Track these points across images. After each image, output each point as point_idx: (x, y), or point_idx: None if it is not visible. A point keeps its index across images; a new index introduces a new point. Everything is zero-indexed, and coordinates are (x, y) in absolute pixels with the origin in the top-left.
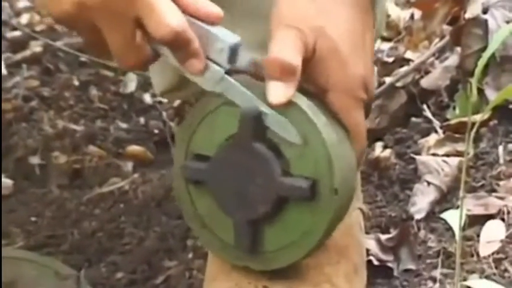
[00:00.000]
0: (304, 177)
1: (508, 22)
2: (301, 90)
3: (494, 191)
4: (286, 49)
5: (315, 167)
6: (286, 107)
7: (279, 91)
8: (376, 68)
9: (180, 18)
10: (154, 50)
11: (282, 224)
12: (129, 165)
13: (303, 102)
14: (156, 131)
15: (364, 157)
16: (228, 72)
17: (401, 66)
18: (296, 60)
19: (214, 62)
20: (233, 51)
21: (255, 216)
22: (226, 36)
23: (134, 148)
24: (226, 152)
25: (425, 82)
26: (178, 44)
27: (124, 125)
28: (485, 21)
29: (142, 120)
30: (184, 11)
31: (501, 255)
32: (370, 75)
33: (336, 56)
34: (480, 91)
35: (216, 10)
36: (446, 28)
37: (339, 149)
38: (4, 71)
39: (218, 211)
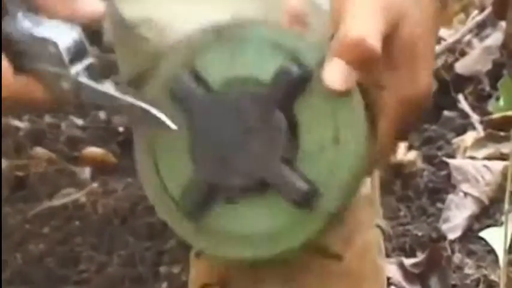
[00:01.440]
0: (306, 179)
1: None
2: None
3: None
4: (369, 29)
5: (325, 174)
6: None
7: (343, 75)
8: None
9: None
10: None
11: (246, 208)
12: (86, 172)
13: (357, 100)
14: (120, 129)
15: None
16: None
17: None
18: (378, 46)
19: (57, 72)
20: (75, 49)
21: (226, 185)
22: (58, 36)
23: (93, 150)
24: (237, 96)
25: (460, 66)
26: None
27: (79, 121)
28: None
29: (102, 115)
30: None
31: None
32: (431, 85)
33: (410, 51)
34: None
35: None
36: None
37: (362, 166)
38: None
39: (182, 154)
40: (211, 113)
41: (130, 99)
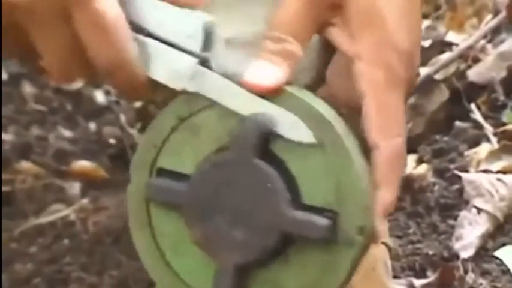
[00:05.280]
0: (320, 209)
1: None
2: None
3: None
4: (291, 20)
5: (335, 194)
6: (291, 104)
7: (267, 71)
8: None
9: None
10: None
11: (281, 273)
12: (75, 187)
13: (311, 99)
14: (111, 141)
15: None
16: (205, 63)
17: (442, 52)
18: (296, 40)
19: (184, 50)
20: (208, 35)
21: (246, 260)
22: (196, 16)
23: (82, 164)
24: (212, 170)
25: (473, 74)
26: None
27: (68, 133)
28: None
29: (92, 126)
30: None
31: None
32: (416, 51)
33: (368, 13)
34: None
35: None
36: (502, 0)
37: (364, 166)
38: None
39: (191, 249)
40: (198, 197)
41: (246, 96)
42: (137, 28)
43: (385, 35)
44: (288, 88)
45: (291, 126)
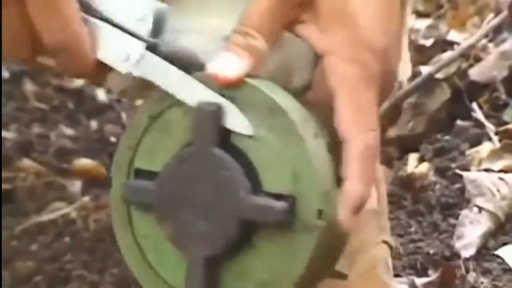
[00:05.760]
0: (279, 195)
1: None
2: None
3: None
4: (259, 16)
5: (292, 180)
6: (247, 93)
7: (231, 63)
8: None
9: None
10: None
11: (250, 262)
12: (77, 185)
13: (269, 87)
14: (112, 139)
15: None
16: (153, 49)
17: (443, 51)
18: (262, 38)
19: (133, 34)
20: (158, 21)
21: (213, 252)
22: (148, 1)
23: (83, 162)
24: (177, 166)
25: (475, 73)
26: None
27: (70, 131)
28: None
29: (94, 124)
30: None
31: None
32: (393, 47)
33: (344, 12)
34: None
35: None
36: (503, 0)
37: (321, 153)
38: None
39: (166, 244)
40: (165, 193)
41: (191, 83)
42: (88, 9)
43: (357, 31)
44: (247, 79)
45: (231, 116)
